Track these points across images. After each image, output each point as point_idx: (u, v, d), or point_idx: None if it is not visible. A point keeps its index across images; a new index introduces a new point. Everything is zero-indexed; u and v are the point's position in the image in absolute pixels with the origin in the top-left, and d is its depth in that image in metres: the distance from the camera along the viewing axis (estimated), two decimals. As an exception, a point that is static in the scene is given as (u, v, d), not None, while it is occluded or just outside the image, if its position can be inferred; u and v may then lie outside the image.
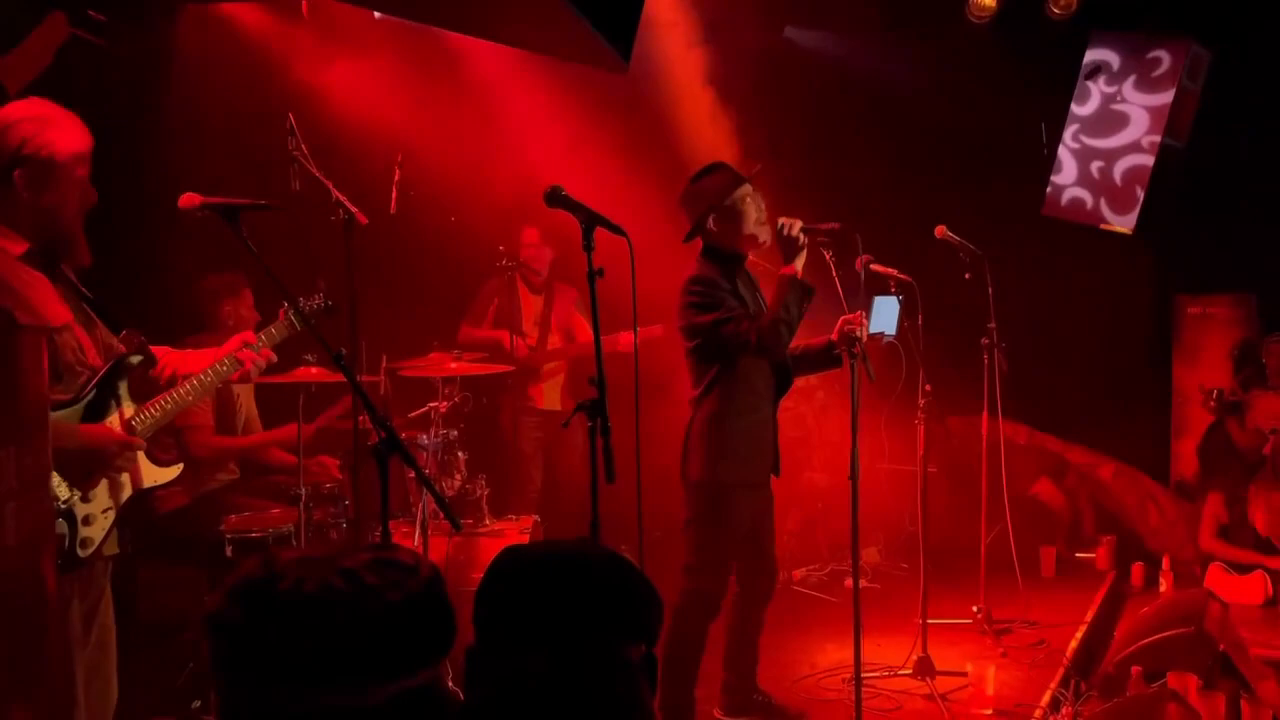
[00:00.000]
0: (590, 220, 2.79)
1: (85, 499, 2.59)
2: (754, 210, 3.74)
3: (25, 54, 4.13)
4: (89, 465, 2.61)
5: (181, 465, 2.89)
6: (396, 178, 4.50)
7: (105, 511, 2.64)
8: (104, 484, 2.64)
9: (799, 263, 3.68)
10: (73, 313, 2.63)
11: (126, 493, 2.71)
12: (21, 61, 4.08)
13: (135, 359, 2.75)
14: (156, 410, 2.78)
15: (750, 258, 3.88)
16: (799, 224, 3.68)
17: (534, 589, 1.35)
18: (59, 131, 2.54)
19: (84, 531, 2.57)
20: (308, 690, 1.16)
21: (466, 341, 5.43)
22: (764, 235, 3.75)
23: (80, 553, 2.56)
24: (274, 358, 2.97)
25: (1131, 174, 5.97)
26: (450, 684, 1.28)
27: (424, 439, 4.32)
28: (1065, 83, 6.09)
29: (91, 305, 2.71)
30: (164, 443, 2.95)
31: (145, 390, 2.81)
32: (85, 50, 4.37)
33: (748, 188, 3.75)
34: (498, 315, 5.63)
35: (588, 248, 2.74)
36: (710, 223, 3.73)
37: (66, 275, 2.66)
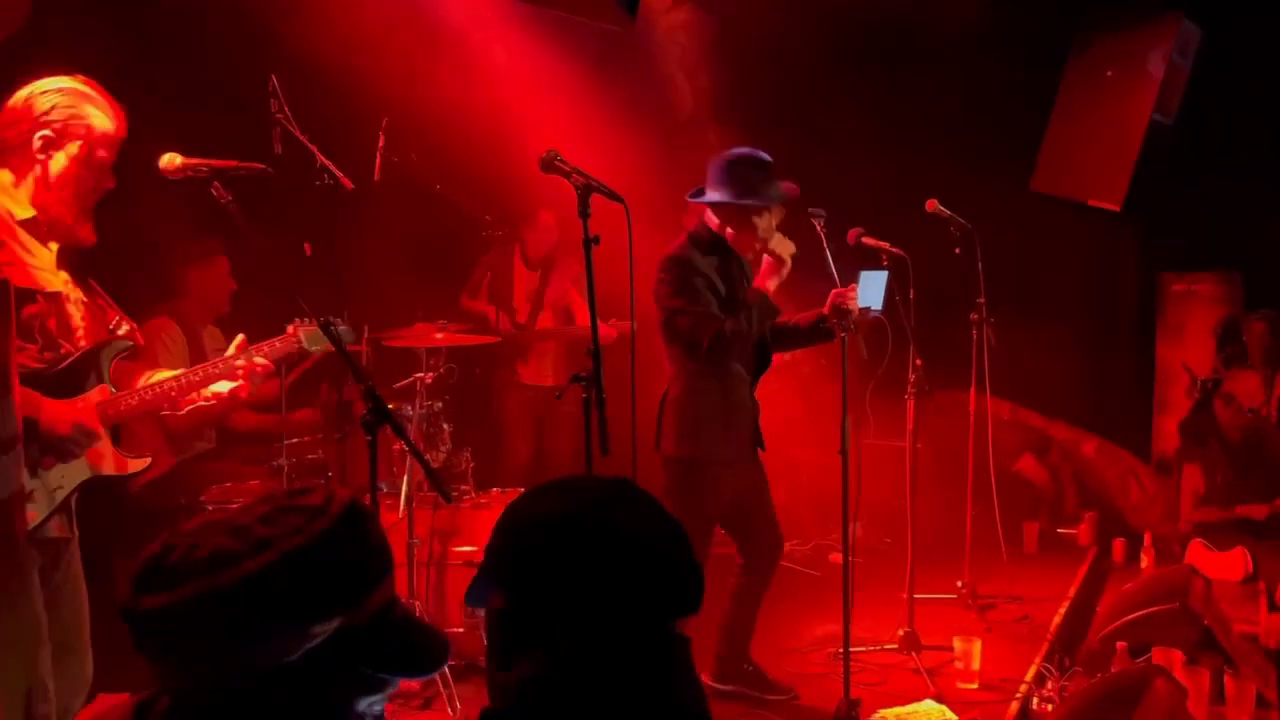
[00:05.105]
0: (586, 186, 2.73)
1: (34, 474, 2.46)
2: (763, 227, 3.73)
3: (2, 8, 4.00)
4: (42, 443, 2.49)
5: (149, 460, 2.78)
6: (381, 144, 4.41)
7: (55, 490, 2.51)
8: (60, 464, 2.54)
9: (774, 282, 3.71)
10: (69, 289, 2.59)
11: (82, 476, 2.58)
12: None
13: (121, 343, 2.68)
14: (134, 398, 2.69)
15: None
16: (791, 249, 3.70)
17: (579, 555, 1.24)
18: (93, 109, 2.54)
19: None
20: (215, 659, 1.12)
21: (463, 310, 5.44)
22: (756, 250, 3.77)
23: None
24: (270, 367, 2.87)
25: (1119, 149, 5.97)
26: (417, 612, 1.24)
27: (409, 410, 4.25)
28: (1058, 55, 6.06)
29: (92, 289, 2.67)
30: (138, 434, 2.87)
31: (124, 379, 2.74)
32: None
33: (775, 209, 3.72)
34: (489, 289, 5.58)
35: (584, 214, 2.68)
36: (715, 211, 3.73)
37: (70, 254, 2.62)
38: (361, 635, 1.17)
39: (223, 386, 2.77)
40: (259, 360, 2.81)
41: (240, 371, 2.77)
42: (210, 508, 3.81)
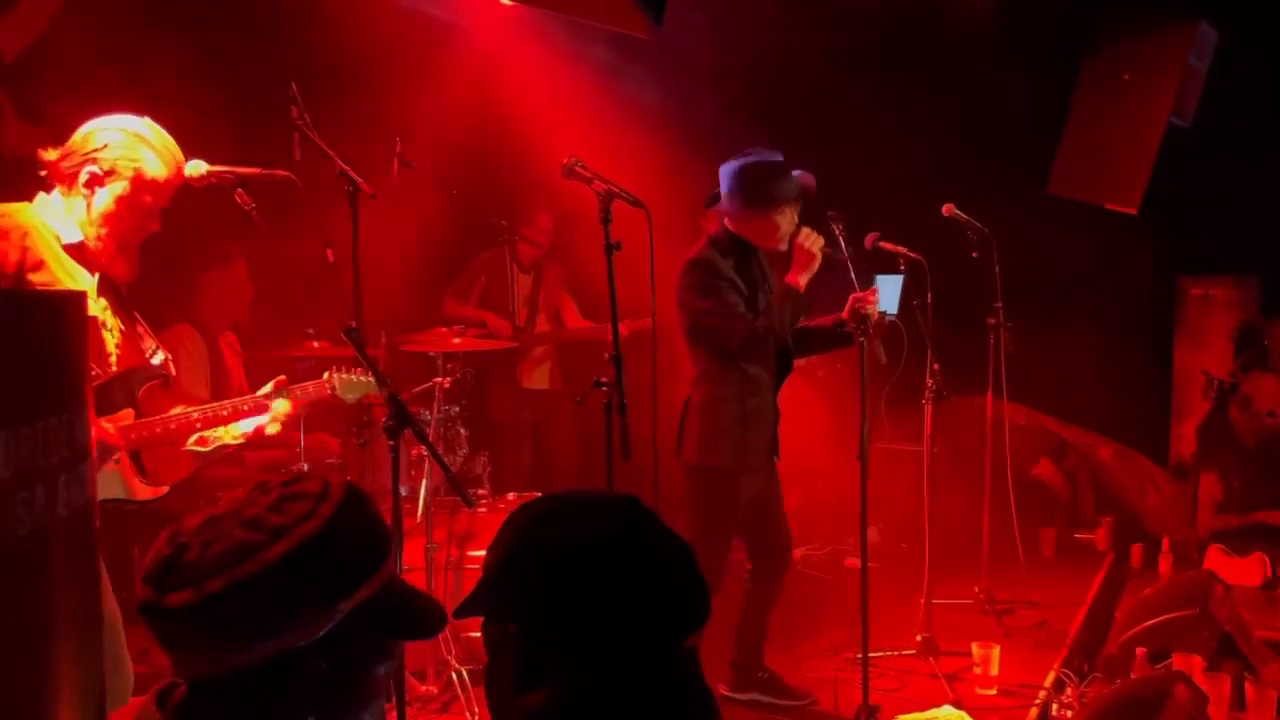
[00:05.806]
0: (608, 193, 2.74)
1: None
2: (785, 225, 3.70)
3: (21, 18, 4.03)
4: None
5: (166, 488, 2.79)
6: (398, 149, 4.41)
7: None
8: None
9: (805, 277, 3.67)
10: (107, 316, 2.60)
11: (106, 495, 2.57)
12: (17, 25, 3.98)
13: (153, 372, 2.71)
14: (158, 426, 2.70)
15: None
16: (820, 243, 3.66)
17: (602, 585, 1.23)
18: (147, 153, 2.55)
19: None
20: (248, 646, 1.16)
21: (451, 317, 5.35)
22: (781, 247, 3.73)
23: None
24: (298, 414, 2.92)
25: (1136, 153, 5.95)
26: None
27: (427, 415, 4.26)
28: (1073, 58, 6.03)
29: (134, 319, 2.70)
30: (158, 458, 2.87)
31: (154, 407, 2.76)
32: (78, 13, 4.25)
33: (794, 205, 3.69)
34: (484, 293, 5.52)
35: (605, 221, 2.69)
36: (733, 219, 3.71)
37: (114, 283, 2.65)
38: (377, 605, 1.23)
39: (248, 425, 2.81)
40: (284, 407, 2.84)
41: (270, 412, 2.82)
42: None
